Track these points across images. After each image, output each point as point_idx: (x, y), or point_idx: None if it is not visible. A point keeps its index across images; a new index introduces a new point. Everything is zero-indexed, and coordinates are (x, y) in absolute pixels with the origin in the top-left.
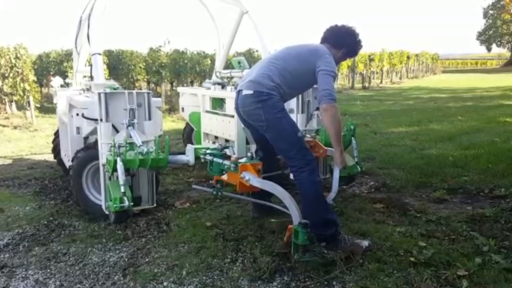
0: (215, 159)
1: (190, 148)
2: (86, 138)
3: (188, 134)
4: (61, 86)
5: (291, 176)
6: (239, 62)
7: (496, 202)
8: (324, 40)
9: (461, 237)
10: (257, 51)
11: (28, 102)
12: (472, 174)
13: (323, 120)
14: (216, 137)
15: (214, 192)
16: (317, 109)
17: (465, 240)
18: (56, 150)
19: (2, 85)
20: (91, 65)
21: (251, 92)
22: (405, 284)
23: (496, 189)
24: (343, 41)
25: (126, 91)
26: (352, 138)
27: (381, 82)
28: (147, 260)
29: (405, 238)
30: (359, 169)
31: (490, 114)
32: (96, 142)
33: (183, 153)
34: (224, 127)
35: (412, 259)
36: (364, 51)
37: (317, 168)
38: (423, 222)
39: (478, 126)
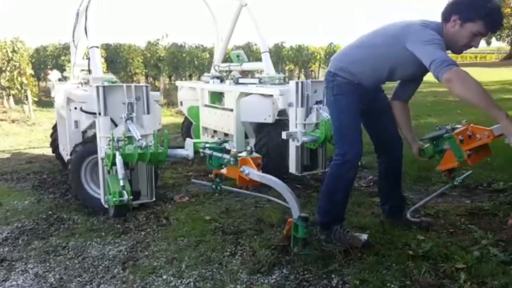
0: (214, 153)
1: (189, 142)
2: (84, 132)
3: (187, 128)
4: (59, 80)
5: None
6: (237, 56)
7: (494, 195)
8: (448, 14)
9: (459, 230)
10: (256, 44)
11: (26, 96)
12: (470, 168)
13: (456, 94)
14: (215, 131)
15: (213, 186)
16: (317, 103)
17: (464, 234)
18: (54, 144)
19: (0, 79)
20: (88, 59)
21: (327, 71)
22: (404, 277)
23: (494, 183)
24: (472, 11)
25: (124, 85)
26: None
27: None
28: (146, 253)
29: (404, 232)
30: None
31: None
32: (94, 136)
33: (182, 147)
34: (223, 121)
35: (410, 252)
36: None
37: (355, 166)
38: (421, 215)
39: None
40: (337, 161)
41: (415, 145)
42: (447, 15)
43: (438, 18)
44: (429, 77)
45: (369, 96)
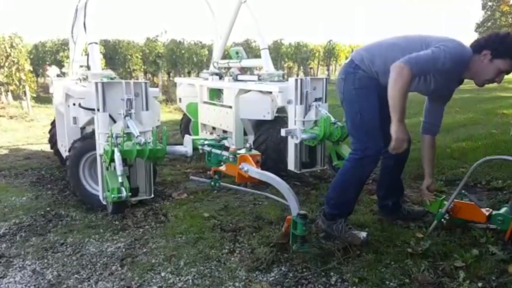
0: (213, 150)
1: (188, 139)
2: (83, 128)
3: (186, 125)
4: (57, 75)
5: None
6: (237, 53)
7: (493, 193)
8: (479, 47)
9: (458, 228)
10: (255, 41)
11: (24, 92)
12: (469, 166)
13: (387, 82)
14: (213, 128)
15: (212, 183)
16: (316, 100)
17: (462, 232)
18: (52, 140)
19: None
20: (87, 55)
21: (347, 60)
22: (402, 275)
23: (493, 181)
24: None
25: (123, 81)
26: None
27: None
28: (144, 250)
29: (403, 229)
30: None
31: (487, 106)
32: (93, 132)
33: (181, 144)
34: (222, 118)
35: (409, 250)
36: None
37: (375, 161)
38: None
39: (476, 118)
40: (356, 155)
41: (428, 180)
42: (478, 48)
43: (437, 19)
44: None
45: (385, 93)
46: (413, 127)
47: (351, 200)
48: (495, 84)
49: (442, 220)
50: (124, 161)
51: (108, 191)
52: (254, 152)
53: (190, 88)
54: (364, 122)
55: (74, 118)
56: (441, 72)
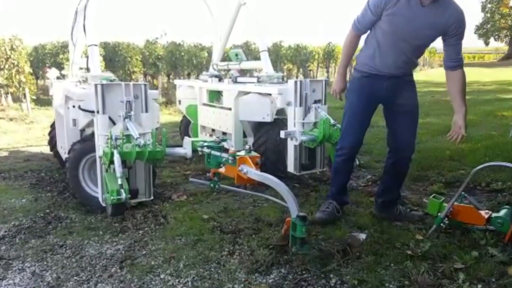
0: (212, 152)
1: (187, 140)
2: (82, 130)
3: (185, 127)
4: (57, 78)
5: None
6: (236, 55)
7: (493, 195)
8: None
9: (457, 230)
10: (254, 43)
11: (24, 94)
12: (469, 168)
13: None
14: (213, 130)
15: (211, 185)
16: (315, 102)
17: (462, 234)
18: (52, 142)
19: None
20: (87, 57)
21: None
22: (402, 277)
23: (493, 183)
24: None
25: (123, 83)
26: None
27: None
28: (144, 252)
29: (402, 231)
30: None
31: (487, 108)
32: (92, 134)
33: (180, 146)
34: (221, 120)
35: (409, 252)
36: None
37: (349, 157)
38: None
39: (475, 120)
40: (336, 151)
41: (456, 116)
42: None
43: None
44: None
45: (388, 89)
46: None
47: (333, 186)
48: (494, 86)
49: (442, 224)
50: (124, 163)
51: (108, 193)
52: (253, 154)
53: (190, 90)
54: (345, 120)
55: (74, 120)
56: (381, 15)
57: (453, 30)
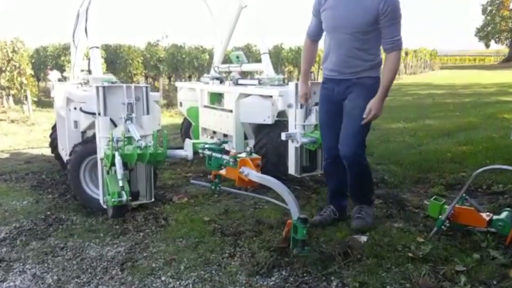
0: (214, 154)
1: (188, 142)
2: (84, 132)
3: (186, 129)
4: (59, 80)
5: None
6: (237, 57)
7: (494, 198)
8: None
9: (459, 232)
10: (255, 46)
11: (26, 96)
12: (470, 170)
13: None
14: (214, 132)
15: (212, 187)
16: (316, 104)
17: (463, 236)
18: (53, 144)
19: None
20: (89, 59)
21: None
22: (403, 280)
23: (494, 185)
24: None
25: (124, 85)
26: None
27: None
28: (145, 254)
29: (403, 234)
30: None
31: (488, 110)
32: (94, 136)
33: (181, 148)
34: (222, 122)
35: (410, 254)
36: None
37: (328, 161)
38: (421, 217)
39: (476, 122)
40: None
41: (372, 99)
42: None
43: (438, 21)
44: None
45: (340, 93)
46: (412, 131)
47: (328, 190)
48: (495, 89)
49: (443, 227)
50: (125, 165)
51: (109, 195)
52: (254, 156)
53: (191, 92)
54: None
55: (75, 122)
56: (320, 15)
57: (381, 11)
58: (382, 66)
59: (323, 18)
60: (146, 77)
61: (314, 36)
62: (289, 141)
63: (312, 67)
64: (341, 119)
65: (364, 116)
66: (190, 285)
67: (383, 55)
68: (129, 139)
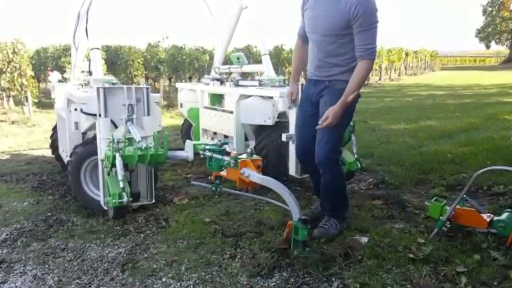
0: (214, 155)
1: (189, 144)
2: (84, 133)
3: (187, 130)
4: (59, 81)
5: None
6: (238, 58)
7: (494, 199)
8: None
9: (459, 233)
10: (256, 47)
11: (26, 97)
12: (470, 171)
13: None
14: (214, 133)
15: (213, 188)
16: None
17: (464, 237)
18: (54, 146)
19: (0, 80)
20: (89, 60)
21: None
22: (404, 281)
23: (494, 186)
24: None
25: (125, 86)
26: (352, 134)
27: (380, 79)
28: (145, 255)
29: (404, 235)
30: (358, 165)
31: (488, 111)
32: (94, 137)
33: (182, 149)
34: (223, 123)
35: (411, 255)
36: None
37: (300, 158)
38: (421, 218)
39: (477, 123)
40: None
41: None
42: None
43: (435, 21)
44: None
45: (315, 94)
46: (413, 131)
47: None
48: (495, 90)
49: (443, 228)
50: (125, 166)
51: (109, 196)
52: (255, 157)
53: (191, 94)
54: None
55: (76, 123)
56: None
57: (352, 15)
58: None
59: (305, 18)
60: (147, 78)
61: (304, 37)
62: (290, 142)
63: (303, 67)
64: (315, 121)
65: (320, 122)
66: (191, 286)
67: None
68: (130, 140)
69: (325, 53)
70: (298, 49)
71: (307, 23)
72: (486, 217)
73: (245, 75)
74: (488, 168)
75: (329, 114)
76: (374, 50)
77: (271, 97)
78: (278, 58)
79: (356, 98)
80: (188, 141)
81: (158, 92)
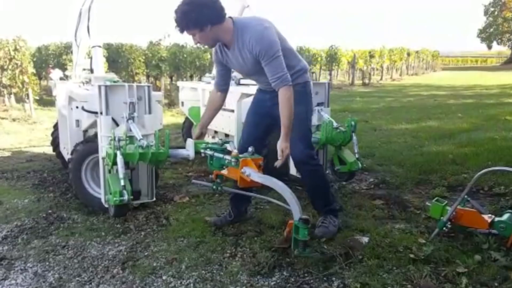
0: (215, 154)
1: (190, 142)
2: (85, 131)
3: (188, 128)
4: (61, 78)
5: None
6: None
7: (495, 200)
8: None
9: (460, 234)
10: None
11: (27, 95)
12: (471, 172)
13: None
14: (215, 132)
15: (214, 187)
16: (318, 104)
17: (465, 238)
18: (55, 143)
19: (1, 77)
20: (91, 58)
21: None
22: (405, 281)
23: (495, 187)
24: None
25: (126, 84)
26: (353, 134)
27: (381, 78)
28: (146, 253)
29: (405, 235)
30: (359, 165)
31: (489, 111)
32: (95, 135)
33: (183, 148)
34: (224, 122)
35: (411, 255)
36: (364, 47)
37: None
38: (422, 219)
39: (478, 123)
40: None
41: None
42: None
43: (436, 21)
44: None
45: (272, 94)
46: (414, 132)
47: None
48: (497, 90)
49: (444, 228)
50: (126, 164)
51: (110, 194)
52: (256, 156)
53: (193, 92)
54: None
55: (77, 121)
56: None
57: (257, 55)
58: (307, 69)
59: (231, 68)
60: (148, 76)
61: (221, 86)
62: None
63: (214, 117)
64: (264, 124)
65: (279, 157)
66: (191, 284)
67: (304, 61)
68: (131, 139)
69: (262, 82)
70: (213, 100)
71: (237, 71)
72: (487, 218)
73: None
74: (489, 168)
75: (281, 148)
76: (286, 76)
77: None
78: None
79: (302, 88)
80: (189, 139)
81: (159, 90)
